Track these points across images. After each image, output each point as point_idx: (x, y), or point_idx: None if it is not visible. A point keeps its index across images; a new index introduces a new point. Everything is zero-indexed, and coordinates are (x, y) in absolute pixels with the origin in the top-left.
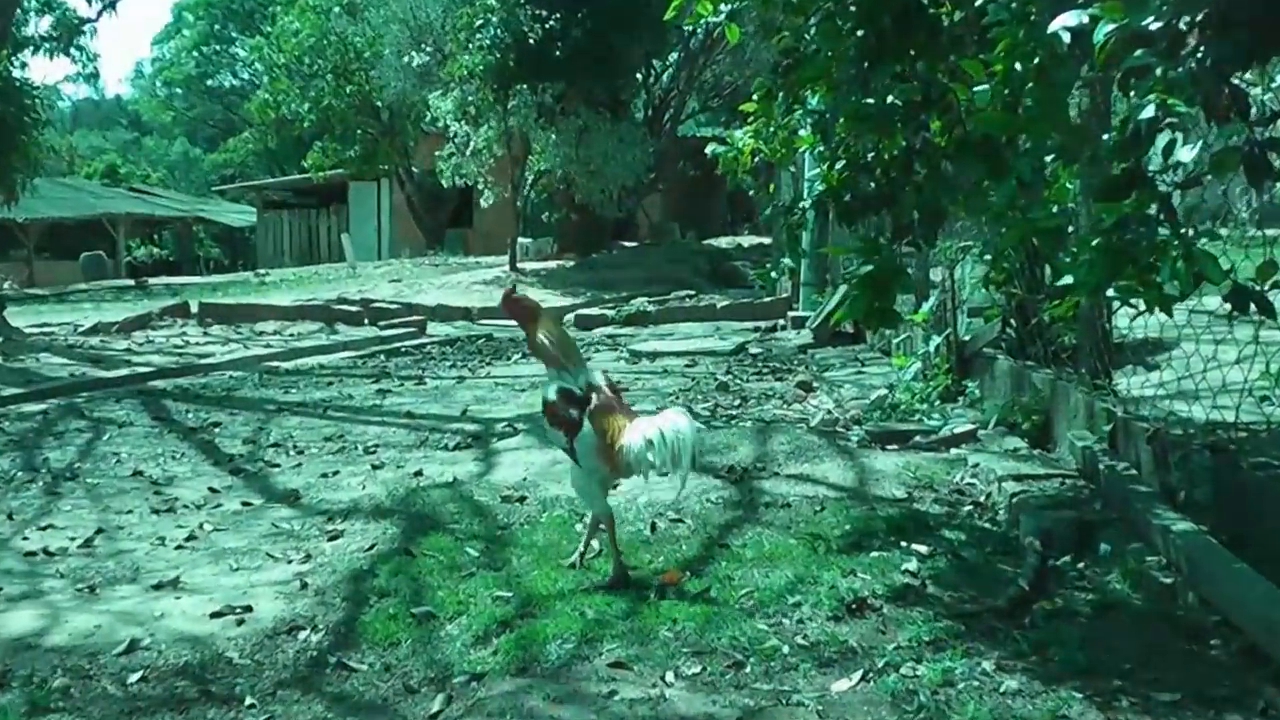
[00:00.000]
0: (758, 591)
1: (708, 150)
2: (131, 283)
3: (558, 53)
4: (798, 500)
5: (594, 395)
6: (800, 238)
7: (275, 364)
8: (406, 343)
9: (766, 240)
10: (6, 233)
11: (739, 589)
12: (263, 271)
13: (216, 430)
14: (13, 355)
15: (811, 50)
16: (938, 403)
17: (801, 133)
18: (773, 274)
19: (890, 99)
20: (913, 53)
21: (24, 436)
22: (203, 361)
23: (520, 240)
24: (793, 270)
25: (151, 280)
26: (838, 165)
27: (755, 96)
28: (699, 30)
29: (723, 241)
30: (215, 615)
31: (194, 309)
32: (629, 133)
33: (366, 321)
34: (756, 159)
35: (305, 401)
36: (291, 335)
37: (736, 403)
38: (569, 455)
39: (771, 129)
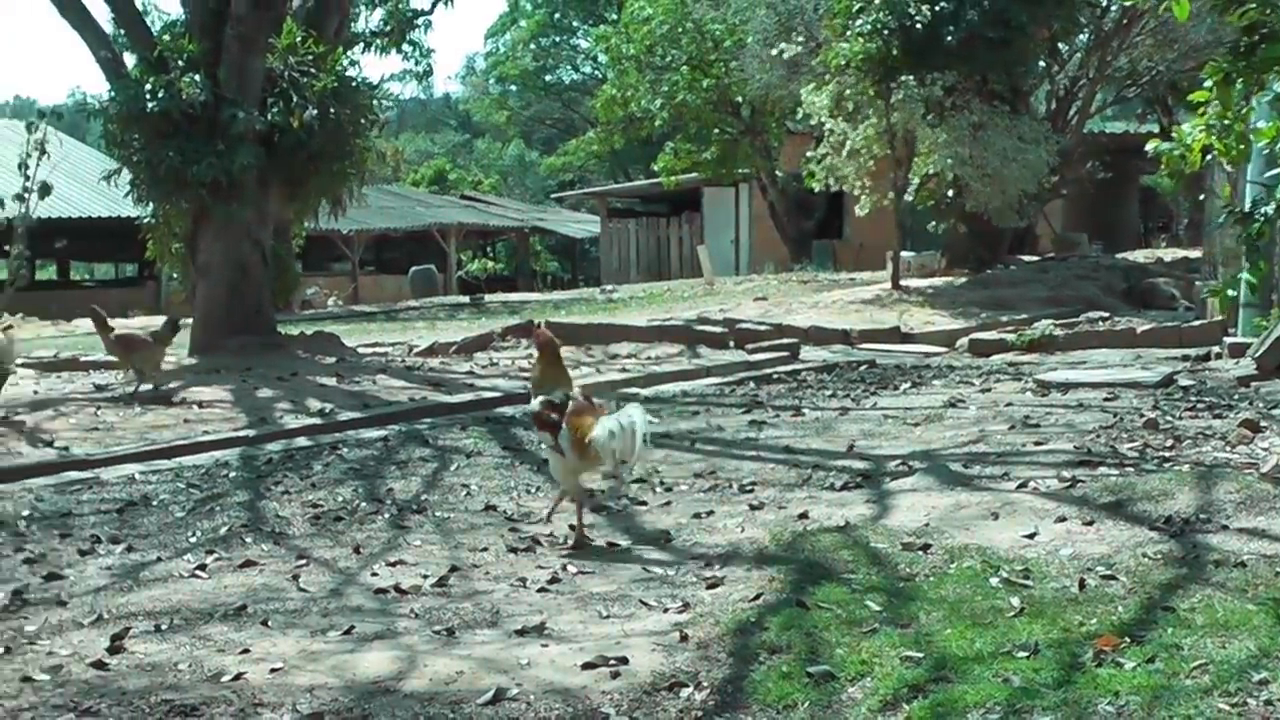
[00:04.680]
0: (1213, 664)
1: (1148, 148)
2: (465, 300)
3: (949, 38)
4: (1253, 559)
5: (569, 403)
6: (1259, 249)
7: (633, 390)
8: (779, 369)
9: (1192, 253)
10: (330, 245)
11: (1189, 660)
12: (609, 288)
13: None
14: (349, 376)
15: None
16: None
17: (1260, 124)
18: (1229, 292)
19: None
20: None
21: (364, 464)
22: None
23: (903, 254)
24: (1252, 285)
25: (487, 297)
26: None
27: (1208, 82)
28: (1113, 7)
29: (1138, 255)
30: (587, 666)
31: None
32: (1030, 129)
33: (731, 344)
34: (1209, 157)
35: (670, 433)
36: (649, 359)
37: (1169, 443)
38: (555, 451)
39: (1225, 121)
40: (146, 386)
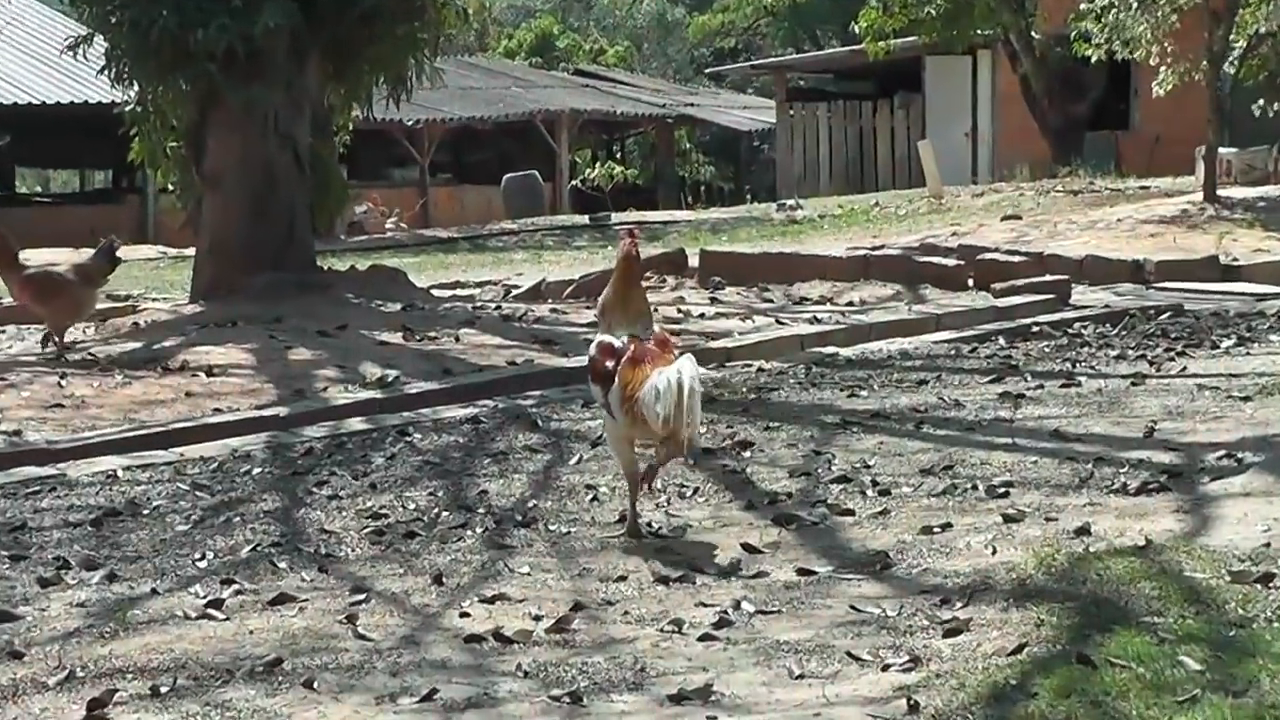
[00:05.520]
0: None
1: None
2: (583, 220)
3: None
4: None
5: (631, 347)
6: None
7: (829, 350)
8: (1040, 318)
9: None
10: (390, 143)
11: None
12: (790, 202)
13: (746, 454)
14: (421, 330)
15: None
16: None
17: None
18: None
19: None
20: None
21: (446, 457)
22: (713, 345)
23: (1221, 151)
24: None
25: (615, 216)
26: None
27: None
28: None
29: None
30: None
31: (692, 261)
32: None
33: (970, 284)
34: None
35: (883, 410)
36: (850, 305)
37: None
38: (607, 411)
39: None
40: (58, 349)
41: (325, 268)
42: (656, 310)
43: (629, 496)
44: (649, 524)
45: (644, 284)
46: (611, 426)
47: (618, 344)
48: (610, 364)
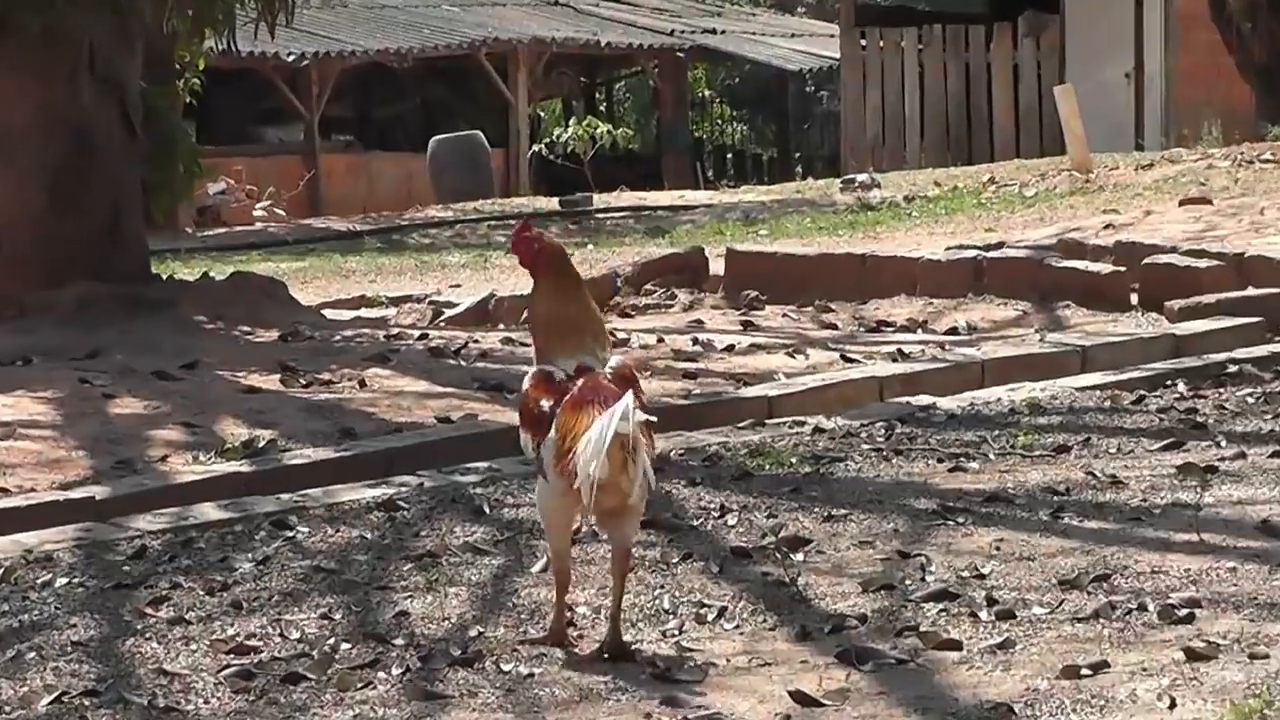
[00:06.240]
0: None
1: None
2: (552, 203)
3: None
4: None
5: (578, 382)
6: None
7: (922, 401)
8: (1237, 353)
9: None
10: (261, 89)
11: None
12: (862, 179)
13: (798, 557)
14: (308, 371)
15: None
16: None
17: None
18: None
19: None
20: None
21: (348, 560)
22: (746, 394)
23: None
24: None
25: (598, 198)
26: None
27: None
28: None
29: None
30: None
31: (714, 267)
32: None
33: (1134, 300)
34: None
35: (1003, 491)
36: (953, 333)
37: None
38: (539, 471)
39: None
40: None
41: (165, 276)
42: (661, 341)
43: (555, 594)
44: (651, 658)
45: (586, 288)
46: (544, 491)
47: (559, 376)
48: (547, 404)
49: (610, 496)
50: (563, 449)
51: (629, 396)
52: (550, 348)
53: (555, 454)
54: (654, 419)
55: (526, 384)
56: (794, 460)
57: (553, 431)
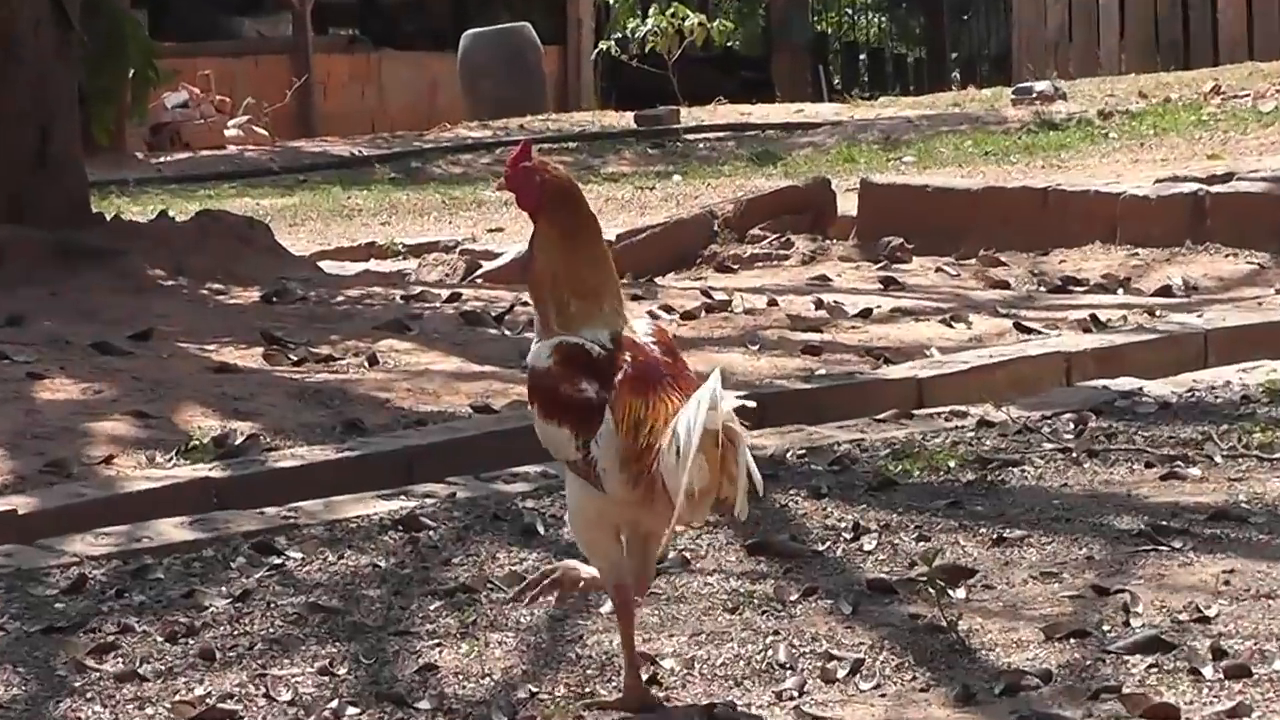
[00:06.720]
0: None
1: None
2: (627, 119)
3: None
4: None
5: (626, 356)
6: None
7: (1123, 385)
8: None
9: None
10: None
11: None
12: (1041, 88)
13: (958, 593)
14: (299, 343)
15: None
16: None
17: None
18: None
19: None
20: None
21: (354, 597)
22: (888, 375)
23: None
24: None
25: (688, 115)
26: None
27: None
28: None
29: None
30: None
31: (844, 206)
32: None
33: None
34: None
35: (1234, 507)
36: (1165, 293)
37: None
38: (573, 471)
39: None
40: None
41: (109, 216)
42: (773, 304)
43: (620, 629)
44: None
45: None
46: (587, 501)
47: (595, 351)
48: (591, 388)
49: (702, 509)
50: (637, 447)
51: (716, 375)
52: (563, 315)
53: (623, 454)
54: (752, 404)
55: (546, 360)
56: (952, 464)
57: (608, 425)
